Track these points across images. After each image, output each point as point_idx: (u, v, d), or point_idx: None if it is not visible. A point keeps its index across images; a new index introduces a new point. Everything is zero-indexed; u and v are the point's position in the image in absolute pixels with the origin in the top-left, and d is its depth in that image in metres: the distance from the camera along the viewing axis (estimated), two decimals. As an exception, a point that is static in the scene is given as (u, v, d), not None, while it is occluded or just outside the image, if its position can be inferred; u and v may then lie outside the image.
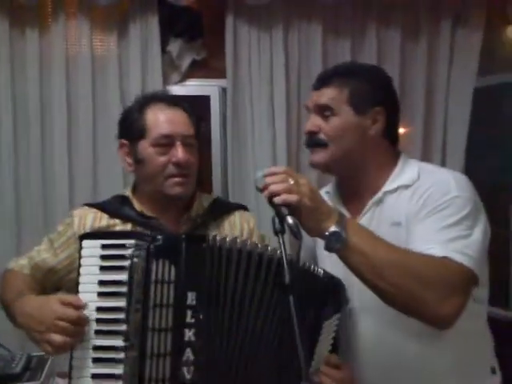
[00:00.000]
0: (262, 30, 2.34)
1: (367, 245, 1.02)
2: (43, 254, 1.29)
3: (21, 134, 2.29)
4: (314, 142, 1.26)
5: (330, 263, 1.18)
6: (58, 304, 1.01)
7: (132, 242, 1.02)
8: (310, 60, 2.38)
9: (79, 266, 1.04)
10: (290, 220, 0.93)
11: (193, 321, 0.99)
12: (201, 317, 0.99)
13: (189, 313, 0.99)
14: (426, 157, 2.43)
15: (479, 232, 1.11)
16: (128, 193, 1.32)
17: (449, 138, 2.44)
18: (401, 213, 1.18)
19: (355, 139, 1.22)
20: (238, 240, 1.04)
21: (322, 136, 1.24)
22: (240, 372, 1.00)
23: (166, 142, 1.21)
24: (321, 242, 1.07)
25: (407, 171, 1.24)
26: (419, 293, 1.01)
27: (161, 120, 1.22)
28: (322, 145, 1.24)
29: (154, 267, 1.00)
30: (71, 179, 2.31)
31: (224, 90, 2.47)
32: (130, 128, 1.25)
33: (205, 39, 2.47)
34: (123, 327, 0.99)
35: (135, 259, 1.00)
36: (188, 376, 0.97)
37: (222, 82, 2.47)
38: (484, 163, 2.50)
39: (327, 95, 1.24)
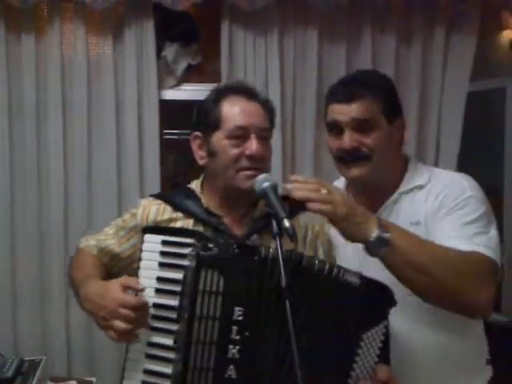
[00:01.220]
0: (258, 35, 2.35)
1: (410, 245, 1.06)
2: (109, 239, 1.28)
3: (16, 138, 2.29)
4: (357, 156, 1.25)
5: (345, 255, 1.26)
6: (119, 289, 1.01)
7: (191, 241, 1.01)
8: (305, 65, 2.39)
9: (139, 259, 1.05)
10: (286, 223, 0.94)
11: (238, 337, 0.96)
12: (247, 334, 0.95)
13: (234, 328, 0.96)
14: (419, 160, 2.44)
15: (494, 229, 1.20)
16: (196, 186, 1.28)
17: (442, 142, 2.45)
18: (419, 212, 1.25)
19: (391, 149, 1.28)
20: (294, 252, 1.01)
21: (364, 150, 1.24)
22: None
23: (240, 134, 1.16)
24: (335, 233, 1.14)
25: (419, 173, 1.32)
26: (460, 285, 1.06)
27: (237, 111, 1.17)
28: (365, 159, 1.24)
29: (202, 277, 0.97)
30: (66, 183, 2.32)
31: (219, 95, 2.48)
32: (205, 119, 1.21)
33: (200, 44, 2.48)
34: (174, 327, 0.99)
35: (190, 260, 0.99)
36: None
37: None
38: (476, 166, 2.51)
39: (364, 109, 1.23)
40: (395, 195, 1.30)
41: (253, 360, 0.94)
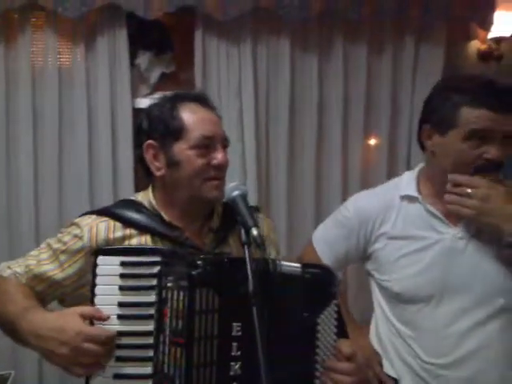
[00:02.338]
0: (231, 44, 2.36)
1: None
2: (45, 265, 1.13)
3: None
4: (498, 167, 1.22)
5: (406, 266, 1.29)
6: (79, 321, 0.91)
7: (158, 259, 0.95)
8: (278, 74, 2.41)
9: (94, 285, 0.95)
10: (254, 232, 0.94)
11: (239, 353, 0.92)
12: (247, 349, 0.91)
13: (234, 345, 0.92)
14: (391, 168, 2.50)
15: None
16: (145, 199, 1.19)
17: (413, 150, 2.50)
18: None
19: None
20: (282, 262, 1.00)
21: (503, 162, 1.22)
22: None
23: (206, 144, 1.13)
24: (387, 244, 1.29)
25: None
26: None
27: (200, 120, 1.14)
28: (499, 170, 1.23)
29: (197, 297, 0.91)
30: (36, 193, 2.29)
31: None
32: (162, 128, 1.14)
33: (174, 53, 2.48)
34: (149, 353, 0.92)
35: (169, 284, 0.93)
36: None
37: (191, 95, 2.49)
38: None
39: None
40: None
41: (254, 373, 0.86)
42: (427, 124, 1.28)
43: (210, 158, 1.14)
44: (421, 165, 1.42)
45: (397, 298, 1.31)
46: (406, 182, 1.39)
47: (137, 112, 2.42)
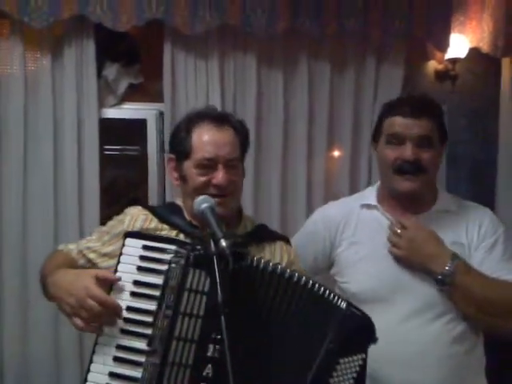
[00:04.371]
0: (199, 58, 2.40)
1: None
2: (91, 242, 1.29)
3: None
4: (417, 168, 1.35)
5: (363, 268, 1.38)
6: (91, 279, 1.02)
7: (173, 247, 1.04)
8: (245, 88, 2.46)
9: (118, 262, 1.06)
10: (223, 243, 0.98)
11: (219, 337, 0.98)
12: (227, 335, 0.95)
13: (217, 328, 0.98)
14: (353, 179, 2.59)
15: None
16: (180, 202, 1.33)
17: (374, 164, 2.59)
18: (460, 235, 1.39)
19: (437, 167, 1.42)
20: (280, 266, 1.07)
21: (423, 163, 1.35)
22: None
23: (208, 164, 1.21)
24: (347, 247, 1.40)
25: (447, 197, 1.48)
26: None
27: (205, 142, 1.22)
28: (422, 171, 1.35)
29: (190, 275, 1.01)
30: (0, 206, 2.25)
31: (161, 114, 2.51)
32: (178, 146, 1.27)
33: (142, 64, 2.50)
34: (149, 331, 1.00)
35: (173, 265, 1.02)
36: None
37: (158, 106, 2.51)
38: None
39: (428, 126, 1.35)
40: (432, 211, 1.41)
41: (233, 362, 0.90)
42: (372, 139, 1.48)
43: (211, 177, 1.21)
44: None
45: (353, 298, 1.36)
46: (368, 192, 1.53)
47: (104, 123, 2.43)
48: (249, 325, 1.02)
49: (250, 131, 2.38)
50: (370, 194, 1.50)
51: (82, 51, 2.33)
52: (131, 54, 2.50)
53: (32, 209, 2.30)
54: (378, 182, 1.53)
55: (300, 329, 1.05)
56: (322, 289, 1.07)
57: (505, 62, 2.77)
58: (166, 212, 1.30)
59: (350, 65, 2.56)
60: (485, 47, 2.67)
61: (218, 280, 0.92)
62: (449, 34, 2.58)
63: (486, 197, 2.64)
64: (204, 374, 0.97)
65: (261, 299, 1.04)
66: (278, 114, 2.49)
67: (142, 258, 1.05)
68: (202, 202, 1.09)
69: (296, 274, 1.07)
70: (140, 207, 1.32)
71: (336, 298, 1.08)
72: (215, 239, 0.99)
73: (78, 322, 1.02)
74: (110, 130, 2.56)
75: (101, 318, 1.01)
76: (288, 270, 1.08)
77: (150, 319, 1.01)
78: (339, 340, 1.05)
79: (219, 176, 1.21)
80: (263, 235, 1.33)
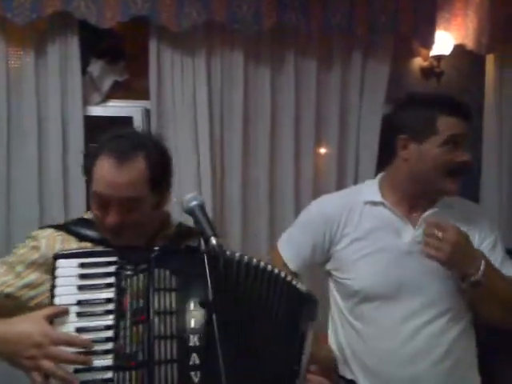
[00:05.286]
0: (185, 55, 2.38)
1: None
2: (2, 277, 1.16)
3: None
4: (467, 171, 1.36)
5: (368, 265, 1.36)
6: (44, 322, 0.96)
7: (114, 258, 1.03)
8: (232, 85, 2.45)
9: (53, 287, 1.00)
10: (213, 241, 0.97)
11: (196, 327, 1.01)
12: (203, 322, 1.01)
13: (192, 320, 1.01)
14: (340, 178, 2.59)
15: None
16: (89, 215, 1.24)
17: (361, 161, 2.61)
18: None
19: None
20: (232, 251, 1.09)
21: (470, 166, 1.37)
22: (246, 373, 1.02)
23: (100, 201, 1.13)
24: (349, 244, 1.37)
25: None
26: None
27: (101, 179, 1.12)
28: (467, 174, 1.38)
29: (155, 276, 1.02)
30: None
31: (147, 111, 2.49)
32: (85, 169, 1.18)
33: (127, 59, 2.48)
34: (109, 346, 0.98)
35: (128, 272, 1.02)
36: (196, 380, 0.98)
37: (144, 104, 2.49)
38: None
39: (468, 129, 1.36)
40: (437, 208, 1.40)
41: (212, 345, 0.96)
42: (403, 134, 1.38)
43: (106, 214, 1.13)
44: (380, 175, 1.51)
45: (355, 296, 1.38)
46: (369, 188, 1.48)
47: (89, 120, 2.40)
48: (232, 314, 1.04)
49: (238, 128, 2.45)
50: (370, 190, 1.46)
51: (66, 48, 2.29)
52: (116, 51, 2.47)
53: (16, 207, 2.26)
54: (378, 178, 1.50)
55: (275, 315, 1.10)
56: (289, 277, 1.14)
57: (489, 58, 2.81)
58: (80, 229, 1.21)
59: (336, 62, 2.56)
60: (469, 44, 2.70)
61: (208, 280, 0.92)
62: (434, 31, 2.60)
63: (470, 192, 2.66)
64: (191, 363, 0.99)
65: (241, 289, 1.07)
66: (266, 111, 2.49)
67: (82, 276, 1.01)
68: (191, 200, 1.08)
69: (268, 265, 1.11)
70: (51, 229, 1.21)
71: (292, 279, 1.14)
72: (205, 237, 0.98)
73: (38, 377, 0.94)
74: (95, 128, 2.52)
75: (69, 361, 0.95)
76: (260, 261, 1.11)
77: (109, 334, 0.99)
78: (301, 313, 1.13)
79: (109, 217, 1.12)
80: (185, 234, 1.27)
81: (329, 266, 1.48)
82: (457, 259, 1.25)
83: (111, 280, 1.02)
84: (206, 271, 0.97)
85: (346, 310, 1.43)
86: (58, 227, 1.22)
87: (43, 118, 2.29)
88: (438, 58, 2.72)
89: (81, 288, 1.01)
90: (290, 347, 1.10)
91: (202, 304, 1.00)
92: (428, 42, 2.61)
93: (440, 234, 1.24)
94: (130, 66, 2.48)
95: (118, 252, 1.05)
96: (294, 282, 1.13)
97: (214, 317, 0.90)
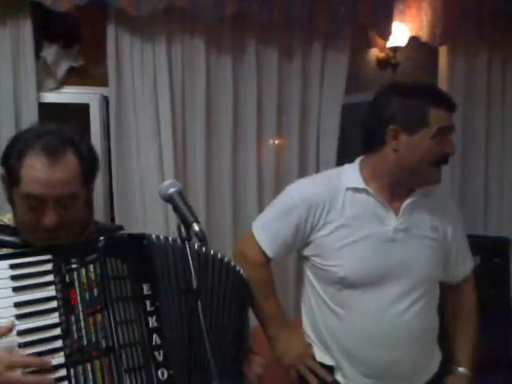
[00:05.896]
0: (145, 41, 2.33)
1: None
2: None
3: None
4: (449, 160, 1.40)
5: (353, 252, 1.38)
6: None
7: (49, 257, 1.01)
8: (193, 73, 2.42)
9: None
10: (195, 227, 0.97)
11: (153, 309, 1.04)
12: (157, 304, 1.05)
13: (147, 302, 1.04)
14: (302, 167, 2.63)
15: None
16: (6, 219, 1.16)
17: (322, 150, 2.65)
18: (436, 219, 1.45)
19: None
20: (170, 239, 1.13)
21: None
22: (202, 348, 1.02)
23: (35, 202, 1.05)
24: (333, 230, 1.39)
25: None
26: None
27: (33, 179, 1.04)
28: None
29: (108, 264, 1.02)
30: None
31: (105, 99, 2.42)
32: (7, 168, 1.08)
33: (83, 46, 2.39)
34: (58, 344, 0.97)
35: (73, 266, 1.01)
36: (160, 358, 1.01)
37: (102, 90, 2.42)
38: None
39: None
40: (416, 196, 1.43)
41: (168, 325, 1.04)
42: (392, 125, 1.37)
43: (41, 215, 1.06)
44: (358, 160, 1.49)
45: (339, 283, 1.39)
46: (350, 175, 1.45)
47: (42, 107, 2.31)
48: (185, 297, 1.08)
49: (200, 116, 2.43)
50: (352, 177, 1.44)
51: (17, 31, 2.19)
52: (71, 35, 2.38)
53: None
54: (357, 164, 1.47)
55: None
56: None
57: (442, 50, 2.91)
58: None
59: (297, 51, 2.58)
60: (424, 36, 2.78)
61: (191, 267, 0.92)
62: (391, 22, 2.66)
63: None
64: (153, 343, 1.02)
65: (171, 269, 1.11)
66: (228, 99, 2.47)
67: (15, 277, 0.99)
68: (169, 187, 1.06)
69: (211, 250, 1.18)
70: None
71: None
72: (186, 224, 0.97)
73: None
74: (50, 116, 2.43)
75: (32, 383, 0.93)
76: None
77: (56, 332, 0.98)
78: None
79: (47, 217, 1.05)
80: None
81: (307, 252, 1.45)
82: None
83: (50, 278, 1.01)
84: (152, 258, 1.04)
85: (327, 296, 1.43)
86: None
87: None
88: (394, 49, 2.79)
89: (16, 290, 0.98)
90: (237, 322, 1.19)
91: (185, 291, 1.03)
92: (385, 33, 2.68)
93: None
94: (86, 51, 2.40)
95: (52, 249, 1.03)
96: (237, 268, 1.23)
97: (199, 304, 0.92)
